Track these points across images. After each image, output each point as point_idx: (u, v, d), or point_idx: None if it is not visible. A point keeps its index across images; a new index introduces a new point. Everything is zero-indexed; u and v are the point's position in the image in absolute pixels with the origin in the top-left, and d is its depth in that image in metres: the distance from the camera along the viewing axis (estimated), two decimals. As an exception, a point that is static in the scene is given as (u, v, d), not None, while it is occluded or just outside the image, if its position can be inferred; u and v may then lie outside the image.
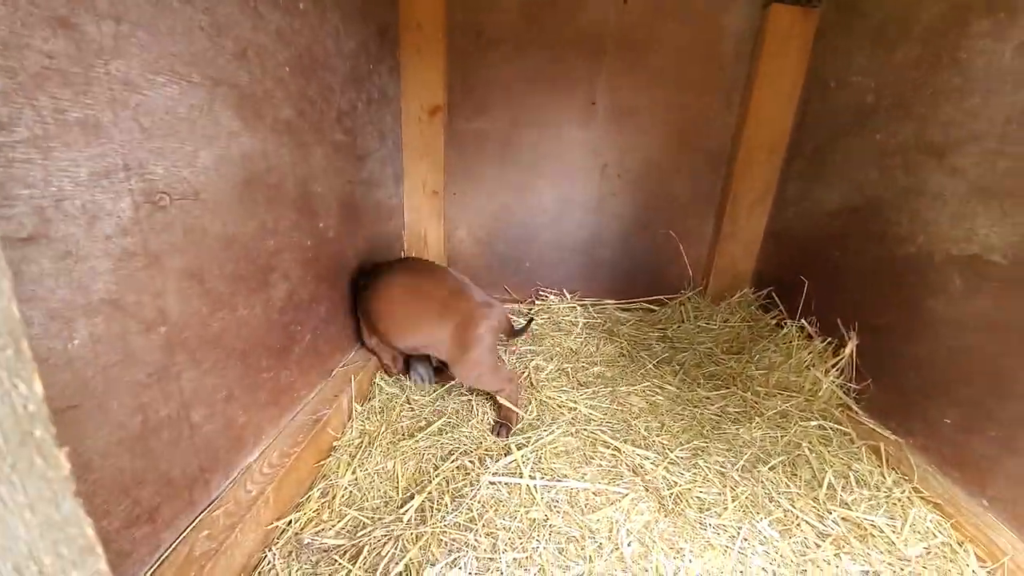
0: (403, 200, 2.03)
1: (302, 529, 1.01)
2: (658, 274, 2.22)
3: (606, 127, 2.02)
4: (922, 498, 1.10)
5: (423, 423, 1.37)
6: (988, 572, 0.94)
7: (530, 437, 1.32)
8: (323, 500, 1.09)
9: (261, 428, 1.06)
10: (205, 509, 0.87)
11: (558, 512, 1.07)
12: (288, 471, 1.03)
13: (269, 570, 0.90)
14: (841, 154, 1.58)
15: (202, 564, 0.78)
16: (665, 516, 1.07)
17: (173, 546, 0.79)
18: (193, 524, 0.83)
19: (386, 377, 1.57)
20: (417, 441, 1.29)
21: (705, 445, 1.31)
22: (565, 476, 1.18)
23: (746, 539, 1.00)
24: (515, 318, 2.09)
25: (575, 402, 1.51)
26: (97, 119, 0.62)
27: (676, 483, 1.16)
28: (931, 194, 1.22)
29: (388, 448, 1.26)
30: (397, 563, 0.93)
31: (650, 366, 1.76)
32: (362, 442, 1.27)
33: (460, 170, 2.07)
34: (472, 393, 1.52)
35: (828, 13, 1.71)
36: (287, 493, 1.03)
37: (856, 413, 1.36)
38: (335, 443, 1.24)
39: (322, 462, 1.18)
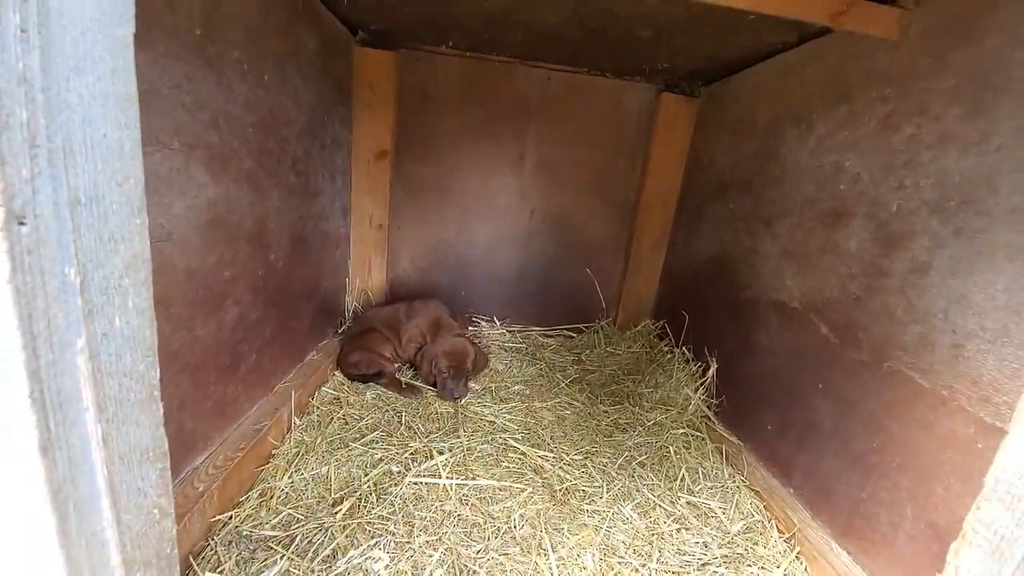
0: (350, 232, 2.23)
1: (242, 523, 1.16)
2: (577, 305, 2.54)
3: (533, 177, 2.35)
4: (748, 487, 1.44)
5: (356, 435, 1.55)
6: (785, 539, 1.27)
7: (452, 445, 1.54)
8: (261, 500, 1.24)
9: (208, 435, 1.21)
10: (158, 501, 1.02)
11: (467, 505, 1.30)
12: (230, 473, 1.19)
13: (212, 555, 1.06)
14: (709, 215, 1.99)
15: (156, 545, 0.93)
16: (554, 505, 1.33)
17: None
18: (147, 513, 0.98)
19: (324, 392, 1.74)
20: (350, 451, 1.47)
21: (596, 449, 1.59)
22: (477, 476, 1.41)
23: (612, 520, 1.28)
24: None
25: (495, 416, 1.76)
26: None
27: (567, 479, 1.42)
28: (760, 253, 1.61)
29: (323, 456, 1.43)
30: (326, 548, 1.11)
31: (563, 385, 2.04)
32: (299, 451, 1.43)
33: (405, 208, 2.31)
34: (398, 404, 1.73)
35: (704, 103, 2.16)
36: (229, 492, 1.19)
37: (713, 423, 1.71)
38: (274, 451, 1.40)
39: (262, 467, 1.34)
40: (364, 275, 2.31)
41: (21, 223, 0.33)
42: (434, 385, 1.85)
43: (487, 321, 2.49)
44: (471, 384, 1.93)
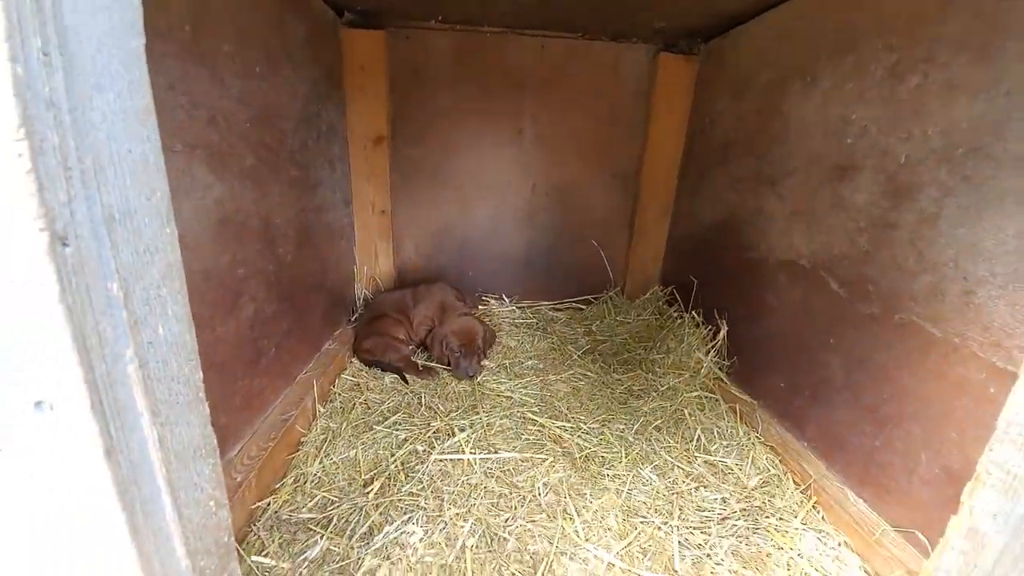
0: (353, 220, 2.23)
1: (280, 508, 1.22)
2: (585, 277, 2.55)
3: (532, 152, 2.32)
4: (763, 443, 1.48)
5: (379, 419, 1.60)
6: (801, 491, 1.31)
7: (472, 421, 1.58)
8: (296, 485, 1.30)
9: (239, 428, 1.26)
10: (200, 493, 1.06)
11: (492, 477, 1.35)
12: (265, 462, 1.23)
13: (255, 540, 1.11)
14: (713, 178, 1.97)
15: (203, 533, 0.98)
16: (575, 472, 1.37)
17: (177, 522, 0.99)
18: (191, 505, 1.03)
19: (344, 379, 1.79)
20: (375, 434, 1.51)
21: (612, 417, 1.63)
22: (499, 449, 1.45)
23: (633, 483, 1.32)
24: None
25: (511, 391, 1.80)
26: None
27: (586, 447, 1.47)
28: (767, 213, 1.61)
29: (350, 440, 1.48)
30: (362, 526, 1.17)
31: (575, 357, 2.08)
32: (326, 436, 1.48)
33: (405, 192, 2.30)
34: (417, 386, 1.77)
35: (704, 62, 2.10)
36: (265, 480, 1.24)
37: (726, 384, 1.74)
38: (303, 439, 1.45)
39: (293, 454, 1.39)
40: (372, 262, 2.32)
41: (64, 244, 0.34)
42: (448, 365, 1.89)
43: (496, 299, 2.51)
44: (484, 362, 1.97)
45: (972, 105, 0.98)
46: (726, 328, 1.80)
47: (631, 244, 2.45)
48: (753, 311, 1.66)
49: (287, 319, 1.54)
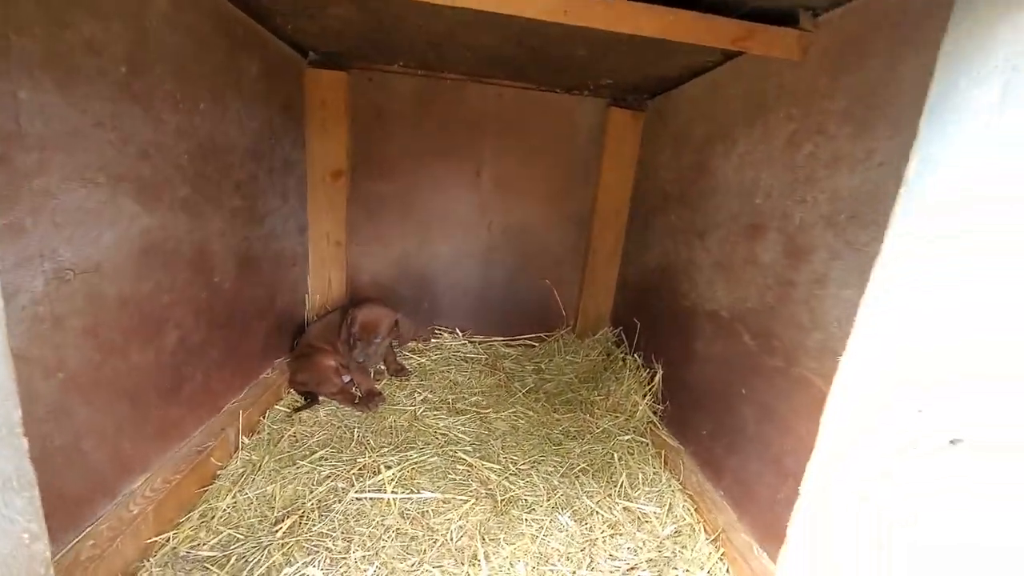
0: (308, 249, 2.26)
1: (180, 544, 1.18)
2: (538, 315, 2.59)
3: (490, 192, 2.40)
4: (683, 491, 1.49)
5: (306, 452, 1.57)
6: (711, 541, 1.31)
7: (401, 459, 1.57)
8: (202, 520, 1.26)
9: (148, 457, 1.23)
10: (91, 524, 1.03)
11: (408, 519, 1.33)
12: (168, 495, 1.21)
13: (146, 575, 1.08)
14: (655, 226, 2.05)
15: (86, 567, 0.95)
16: (495, 516, 1.36)
17: (62, 552, 0.95)
18: (81, 536, 1.00)
19: (276, 410, 1.77)
20: (298, 468, 1.49)
21: (543, 458, 1.63)
22: (423, 488, 1.44)
23: (549, 529, 1.31)
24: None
25: (448, 428, 1.79)
26: (21, 223, 0.84)
27: (511, 489, 1.46)
28: (697, 263, 1.68)
29: (270, 475, 1.45)
30: (261, 567, 1.14)
31: (520, 395, 2.08)
32: (245, 471, 1.45)
33: (365, 224, 2.35)
34: (351, 420, 1.76)
35: (649, 117, 2.23)
36: (167, 514, 1.21)
37: (658, 428, 1.76)
38: (219, 471, 1.42)
39: (206, 488, 1.36)
40: (325, 290, 2.33)
41: None
42: (352, 348, 1.87)
43: (450, 332, 2.52)
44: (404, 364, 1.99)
45: (852, 175, 1.06)
46: (661, 372, 1.84)
47: (583, 283, 2.51)
48: (685, 357, 1.70)
49: (218, 347, 1.53)
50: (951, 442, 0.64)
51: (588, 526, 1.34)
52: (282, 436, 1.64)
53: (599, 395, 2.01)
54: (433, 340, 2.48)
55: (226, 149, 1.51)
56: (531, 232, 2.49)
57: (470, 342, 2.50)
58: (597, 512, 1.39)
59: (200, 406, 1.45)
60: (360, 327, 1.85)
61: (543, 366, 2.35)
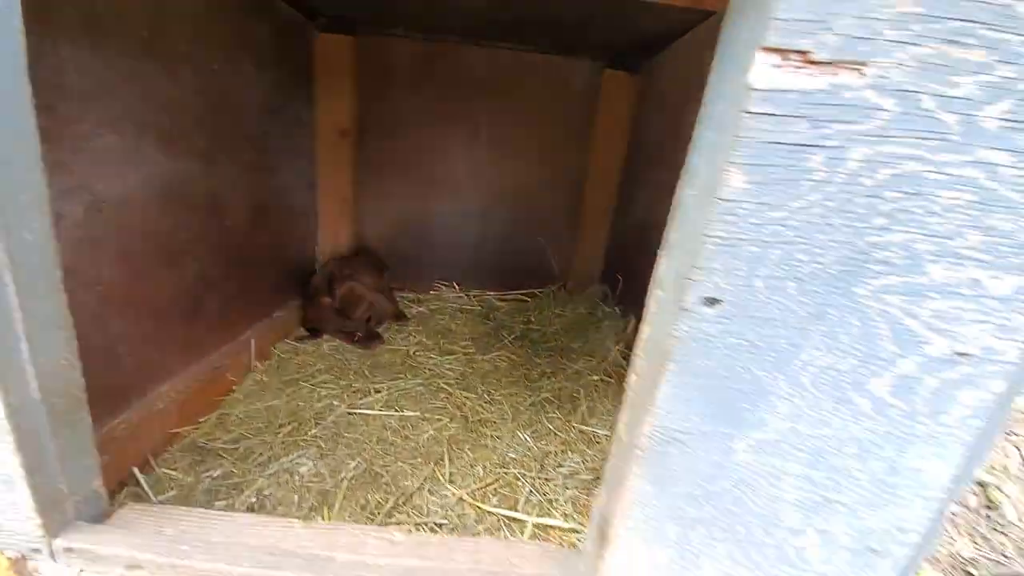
0: (317, 204, 2.46)
1: (199, 438, 1.43)
2: (532, 272, 2.73)
3: (488, 152, 2.53)
4: (638, 420, 1.64)
5: (308, 377, 1.81)
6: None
7: (391, 386, 1.78)
8: (218, 422, 1.51)
9: (172, 368, 1.47)
10: (125, 412, 1.28)
11: (390, 429, 1.54)
12: (191, 396, 1.45)
13: (169, 457, 1.33)
14: (642, 185, 2.14)
15: (121, 443, 1.20)
16: (465, 431, 1.56)
17: (103, 431, 1.20)
18: (116, 421, 1.25)
19: (286, 344, 2.01)
20: (300, 389, 1.72)
21: (517, 392, 1.81)
22: (405, 408, 1.65)
23: (510, 443, 1.50)
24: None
25: (437, 365, 1.99)
26: (64, 160, 1.05)
27: (482, 413, 1.65)
28: (666, 217, 1.77)
29: (276, 392, 1.69)
30: (264, 456, 1.37)
31: (507, 341, 2.26)
32: (256, 388, 1.70)
33: (369, 182, 2.53)
34: (352, 355, 1.98)
35: (643, 78, 2.28)
36: (189, 412, 1.45)
37: (625, 371, 1.90)
38: (234, 387, 1.67)
39: (222, 398, 1.61)
40: (335, 244, 2.54)
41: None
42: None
43: (447, 286, 2.71)
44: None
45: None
46: (634, 322, 1.96)
47: (576, 241, 2.63)
48: (651, 305, 1.82)
49: (234, 283, 1.76)
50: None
51: (545, 442, 1.52)
52: (289, 363, 1.87)
53: (577, 343, 2.17)
54: (431, 292, 2.67)
55: (239, 107, 1.69)
56: (527, 192, 2.61)
57: (466, 295, 2.68)
58: (555, 433, 1.56)
59: (218, 331, 1.69)
60: (340, 301, 2.13)
61: (532, 318, 2.51)
